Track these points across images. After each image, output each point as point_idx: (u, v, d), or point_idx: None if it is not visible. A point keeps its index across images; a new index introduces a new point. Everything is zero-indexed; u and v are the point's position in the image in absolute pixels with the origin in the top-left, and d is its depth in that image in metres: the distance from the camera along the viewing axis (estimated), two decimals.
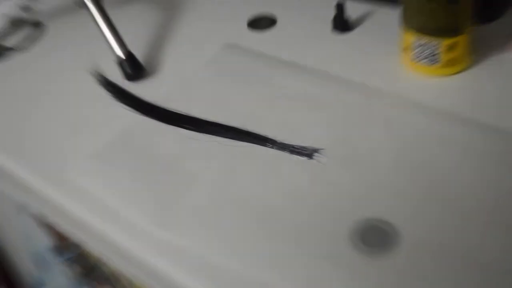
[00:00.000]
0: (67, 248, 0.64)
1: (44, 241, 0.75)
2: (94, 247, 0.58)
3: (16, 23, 0.83)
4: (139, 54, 0.72)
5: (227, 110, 0.64)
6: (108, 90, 0.68)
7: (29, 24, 0.83)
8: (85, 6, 0.72)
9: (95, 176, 0.59)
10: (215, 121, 0.62)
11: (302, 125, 0.60)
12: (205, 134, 0.61)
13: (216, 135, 0.61)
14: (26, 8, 0.84)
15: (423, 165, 0.54)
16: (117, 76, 0.70)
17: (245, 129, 0.60)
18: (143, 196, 0.56)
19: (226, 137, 0.60)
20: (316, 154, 0.56)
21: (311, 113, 0.61)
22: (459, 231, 0.48)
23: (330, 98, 0.62)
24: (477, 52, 0.64)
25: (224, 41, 0.74)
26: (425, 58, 0.62)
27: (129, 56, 0.70)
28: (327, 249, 0.49)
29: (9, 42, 0.81)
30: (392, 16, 0.70)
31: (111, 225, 0.54)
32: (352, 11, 0.74)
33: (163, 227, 0.53)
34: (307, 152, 0.57)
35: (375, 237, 0.48)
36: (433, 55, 0.61)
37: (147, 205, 0.55)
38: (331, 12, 0.72)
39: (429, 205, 0.50)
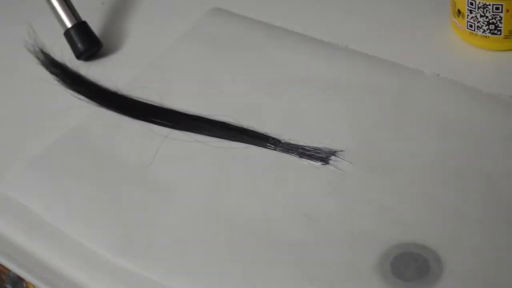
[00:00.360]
0: (2, 284, 0.65)
1: None
2: (38, 282, 0.59)
3: None
4: (94, 24, 0.74)
5: (214, 99, 0.65)
6: (54, 72, 0.70)
7: None
8: None
9: (35, 189, 0.60)
10: (198, 114, 0.64)
11: (315, 119, 0.62)
12: (185, 131, 0.63)
13: (200, 133, 0.62)
14: None
15: (481, 175, 0.55)
16: (65, 54, 0.71)
17: (239, 125, 0.62)
18: (101, 215, 0.57)
19: (214, 136, 0.62)
20: (333, 157, 0.58)
21: (328, 102, 0.63)
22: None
23: (353, 82, 0.64)
24: None
25: (210, 5, 0.76)
26: (483, 26, 0.64)
27: (81, 26, 0.72)
28: (348, 283, 0.50)
29: None
30: None
31: (59, 253, 0.55)
32: None
33: (128, 257, 0.54)
34: (321, 155, 0.58)
35: (410, 267, 0.50)
36: (494, 23, 0.63)
37: (107, 227, 0.56)
38: None
39: (483, 228, 0.52)
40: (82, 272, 0.54)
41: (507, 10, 0.62)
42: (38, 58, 0.71)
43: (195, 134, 0.62)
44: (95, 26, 0.74)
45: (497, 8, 0.62)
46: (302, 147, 0.59)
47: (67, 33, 0.72)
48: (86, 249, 0.55)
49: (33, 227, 0.57)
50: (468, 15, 0.64)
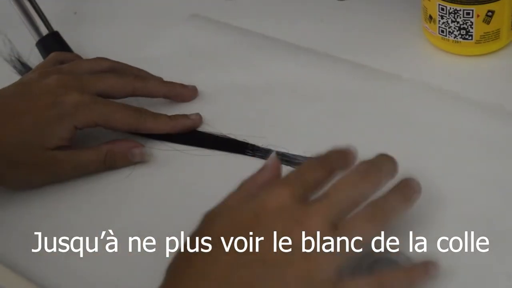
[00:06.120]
0: None
1: None
2: None
3: None
4: (67, 34, 0.75)
5: (192, 106, 0.66)
6: None
7: None
8: None
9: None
10: None
11: (293, 125, 0.63)
12: (159, 140, 0.64)
13: (179, 142, 0.63)
14: None
15: (452, 178, 0.57)
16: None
17: (217, 132, 0.63)
18: (80, 225, 0.59)
19: (192, 145, 0.63)
20: None
21: (306, 108, 0.65)
22: (502, 262, 0.51)
23: (330, 87, 0.66)
24: None
25: (189, 12, 0.77)
26: (454, 31, 0.66)
27: (53, 36, 0.73)
28: None
29: None
30: None
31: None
32: None
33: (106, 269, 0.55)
34: (300, 162, 0.59)
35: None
36: (465, 28, 0.65)
37: (85, 238, 0.57)
38: None
39: (454, 228, 0.53)
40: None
41: (478, 15, 0.64)
42: (15, 67, 0.72)
43: (170, 142, 0.63)
44: (68, 36, 0.75)
45: (468, 14, 0.64)
46: (282, 154, 0.60)
47: (40, 43, 0.73)
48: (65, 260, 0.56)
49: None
50: (439, 20, 0.66)
